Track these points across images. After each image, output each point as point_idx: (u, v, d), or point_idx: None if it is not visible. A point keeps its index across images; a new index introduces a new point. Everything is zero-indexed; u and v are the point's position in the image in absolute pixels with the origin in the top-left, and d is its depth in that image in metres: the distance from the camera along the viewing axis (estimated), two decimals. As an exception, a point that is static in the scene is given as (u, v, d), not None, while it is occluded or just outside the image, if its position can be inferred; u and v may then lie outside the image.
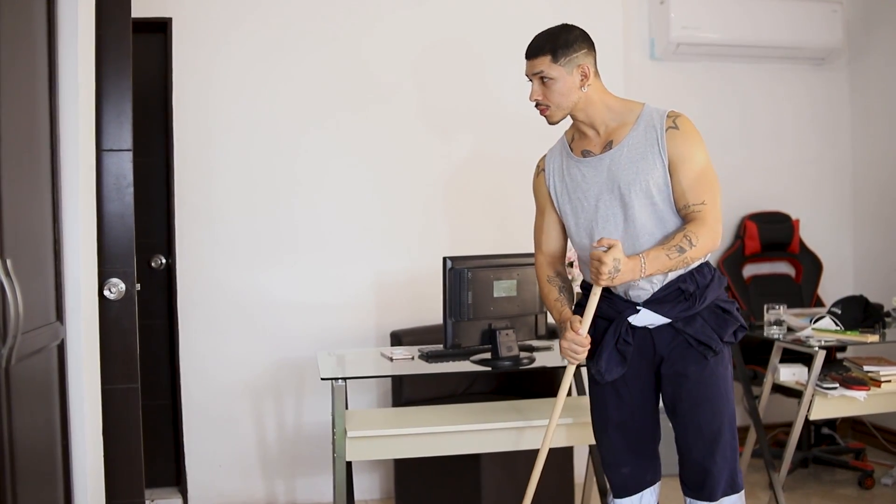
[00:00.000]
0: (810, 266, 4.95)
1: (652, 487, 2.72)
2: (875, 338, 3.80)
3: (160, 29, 4.07)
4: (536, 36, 2.58)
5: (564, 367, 3.27)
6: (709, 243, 2.48)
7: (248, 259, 4.17)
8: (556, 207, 2.70)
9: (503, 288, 3.33)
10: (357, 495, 4.11)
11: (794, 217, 4.94)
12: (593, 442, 3.40)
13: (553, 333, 3.77)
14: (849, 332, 3.83)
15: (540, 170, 2.76)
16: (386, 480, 4.29)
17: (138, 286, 2.89)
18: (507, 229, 4.44)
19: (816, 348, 3.66)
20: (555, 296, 2.69)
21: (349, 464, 3.19)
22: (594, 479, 3.70)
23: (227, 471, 4.20)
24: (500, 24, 4.42)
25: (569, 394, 3.85)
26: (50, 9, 2.44)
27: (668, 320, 2.55)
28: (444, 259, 3.28)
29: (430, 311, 4.10)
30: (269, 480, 4.21)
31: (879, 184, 4.99)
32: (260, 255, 4.18)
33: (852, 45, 5.10)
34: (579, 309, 2.67)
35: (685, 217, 2.51)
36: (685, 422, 2.58)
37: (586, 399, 3.58)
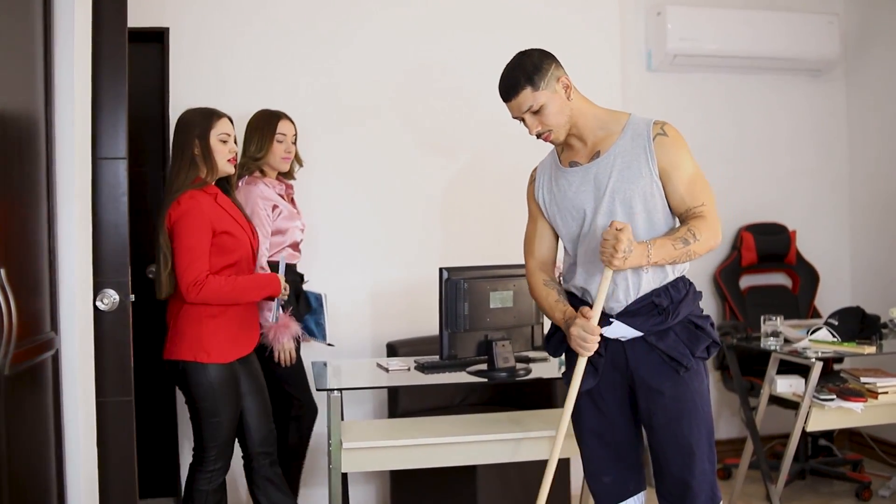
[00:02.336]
0: (807, 277, 4.94)
1: (636, 497, 2.71)
2: (872, 349, 3.80)
3: (157, 39, 4.06)
4: (503, 77, 2.57)
5: (559, 379, 3.28)
6: (711, 240, 2.50)
7: (244, 269, 4.15)
8: (546, 217, 2.72)
9: (499, 299, 3.33)
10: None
11: (791, 228, 4.94)
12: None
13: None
14: (846, 344, 3.83)
15: (532, 179, 2.79)
16: (382, 492, 4.28)
17: (133, 297, 2.87)
18: (504, 240, 4.42)
19: (813, 360, 3.66)
20: (554, 297, 2.68)
21: (345, 475, 3.18)
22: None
23: (221, 482, 4.17)
24: (497, 36, 4.42)
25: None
26: (46, 16, 2.43)
27: (640, 333, 2.55)
28: (441, 270, 3.27)
29: (427, 322, 4.09)
30: (264, 492, 4.18)
31: (876, 195, 5.00)
32: (256, 265, 4.17)
33: (849, 57, 5.11)
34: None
35: (686, 220, 2.52)
36: (662, 437, 2.58)
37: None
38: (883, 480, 4.51)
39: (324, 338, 3.53)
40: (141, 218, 3.98)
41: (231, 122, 3.22)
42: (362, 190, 4.28)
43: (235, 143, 3.24)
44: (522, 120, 2.58)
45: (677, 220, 2.59)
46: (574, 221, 2.62)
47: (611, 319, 2.57)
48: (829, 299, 4.99)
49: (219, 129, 3.15)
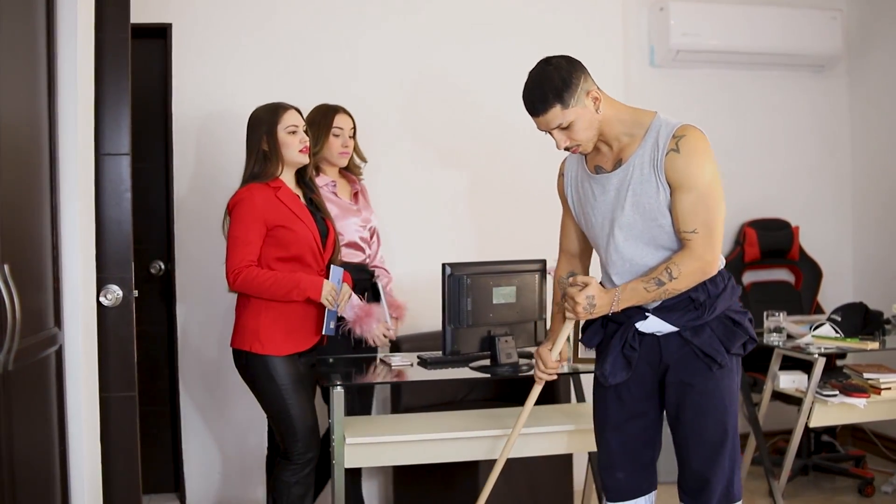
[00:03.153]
0: (810, 273, 4.94)
1: (647, 496, 2.70)
2: (875, 345, 3.80)
3: (160, 34, 4.06)
4: (531, 90, 2.48)
5: (562, 375, 3.29)
6: (694, 275, 2.46)
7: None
8: (574, 213, 2.72)
9: (502, 294, 3.33)
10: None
11: (793, 224, 4.94)
12: (592, 449, 3.38)
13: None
14: (849, 340, 3.83)
15: (561, 173, 2.76)
16: (385, 487, 4.28)
17: (136, 292, 2.87)
18: (507, 236, 4.43)
19: (816, 355, 3.66)
20: (556, 299, 2.71)
21: (358, 470, 3.18)
22: (593, 486, 3.69)
23: (225, 477, 4.18)
24: (499, 32, 4.42)
25: (568, 400, 3.85)
26: (49, 13, 2.43)
27: (675, 328, 2.53)
28: (444, 265, 3.27)
29: (429, 318, 4.09)
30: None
31: (879, 190, 4.99)
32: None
33: (852, 53, 5.10)
34: (591, 327, 2.71)
35: (681, 243, 2.49)
36: (687, 431, 2.56)
37: (586, 406, 3.58)
38: (886, 476, 4.51)
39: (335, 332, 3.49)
40: (144, 214, 4.00)
41: (300, 113, 3.27)
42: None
43: (307, 133, 3.28)
44: (549, 133, 2.50)
45: None
46: (595, 228, 2.60)
47: (646, 314, 2.55)
48: (831, 295, 4.98)
49: (286, 122, 3.20)
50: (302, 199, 3.27)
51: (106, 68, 2.78)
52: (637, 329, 2.56)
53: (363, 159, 3.75)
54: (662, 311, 2.53)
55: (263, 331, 3.12)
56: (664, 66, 4.82)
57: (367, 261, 3.68)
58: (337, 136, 3.57)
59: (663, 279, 2.44)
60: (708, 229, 2.44)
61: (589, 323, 2.72)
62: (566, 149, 2.52)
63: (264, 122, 3.21)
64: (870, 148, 5.06)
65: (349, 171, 3.71)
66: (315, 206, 3.32)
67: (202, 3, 4.10)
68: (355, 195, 3.70)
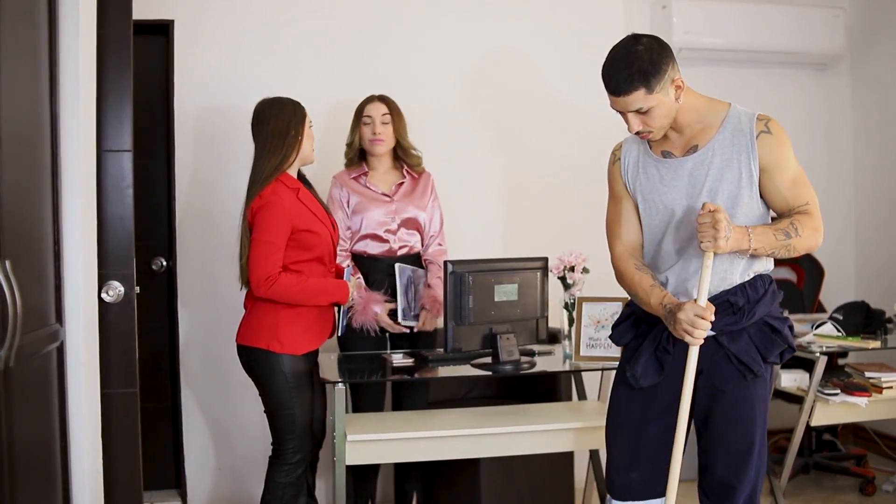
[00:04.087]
0: (812, 272, 4.93)
1: (662, 499, 2.58)
2: (877, 344, 3.80)
3: (162, 31, 4.06)
4: (616, 67, 2.34)
5: (564, 373, 3.25)
6: (812, 239, 2.40)
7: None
8: (633, 198, 2.57)
9: (504, 292, 3.33)
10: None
11: (795, 222, 4.93)
12: (594, 447, 3.40)
13: (553, 338, 3.76)
14: (850, 338, 3.83)
15: (616, 158, 2.61)
16: (385, 484, 4.28)
17: (138, 289, 2.88)
18: (509, 233, 4.43)
19: (818, 354, 3.66)
20: (649, 282, 2.48)
21: (349, 467, 3.18)
22: (594, 484, 3.69)
23: (226, 473, 4.19)
24: (500, 30, 4.42)
25: (569, 398, 3.85)
26: (51, 9, 2.43)
27: (712, 333, 2.42)
28: (446, 263, 3.27)
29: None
30: (268, 484, 4.20)
31: (881, 189, 4.99)
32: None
33: (854, 51, 5.09)
34: (629, 321, 2.61)
35: (790, 216, 2.42)
36: (714, 438, 2.48)
37: (588, 404, 3.58)
38: (887, 475, 4.50)
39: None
40: (146, 211, 4.00)
41: None
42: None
43: None
44: (622, 114, 2.41)
45: None
46: (657, 215, 2.49)
47: None
48: (833, 294, 4.98)
49: (309, 119, 3.26)
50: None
51: (108, 65, 2.78)
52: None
53: (407, 146, 3.71)
54: None
55: (283, 330, 3.10)
56: (666, 64, 4.81)
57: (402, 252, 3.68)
58: (367, 124, 3.63)
59: (790, 233, 2.36)
60: (815, 202, 2.42)
61: (620, 321, 2.66)
62: (637, 133, 2.44)
63: (294, 112, 3.22)
64: (872, 146, 5.05)
65: (404, 162, 3.71)
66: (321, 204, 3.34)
67: (204, -1, 4.10)
68: (399, 185, 3.70)
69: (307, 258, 3.15)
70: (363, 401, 3.64)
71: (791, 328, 2.52)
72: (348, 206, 3.65)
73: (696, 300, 2.37)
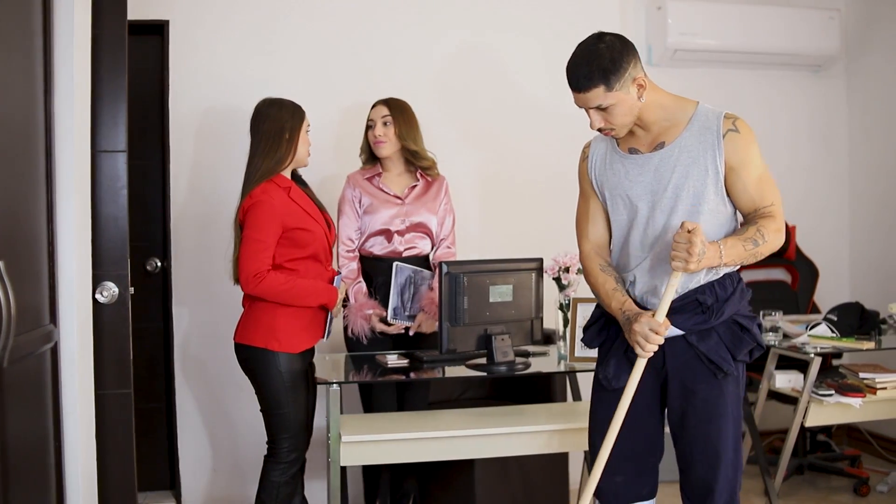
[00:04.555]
0: (806, 273, 4.94)
1: (648, 502, 2.63)
2: (871, 345, 3.80)
3: (157, 31, 4.06)
4: (576, 63, 2.39)
5: (559, 373, 3.24)
6: (776, 241, 2.42)
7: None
8: (599, 197, 2.60)
9: (499, 293, 3.33)
10: (351, 500, 4.10)
11: (790, 223, 4.94)
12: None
13: (548, 339, 3.76)
14: (845, 339, 3.83)
15: (585, 156, 2.65)
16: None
17: (132, 289, 2.87)
18: (504, 234, 4.43)
19: (812, 355, 3.66)
20: (612, 285, 2.53)
21: (344, 469, 3.18)
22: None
23: (221, 474, 4.18)
24: (494, 31, 4.42)
25: (564, 399, 3.85)
26: (46, 9, 2.43)
27: (681, 332, 2.46)
28: (441, 264, 3.27)
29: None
30: (263, 485, 4.19)
31: (876, 190, 5.00)
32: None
33: (849, 52, 5.10)
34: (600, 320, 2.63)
35: (754, 220, 2.43)
36: (690, 439, 2.50)
37: (583, 405, 3.58)
38: (881, 476, 4.51)
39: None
40: (140, 211, 4.00)
41: None
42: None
43: None
44: (586, 110, 2.44)
45: (739, 220, 2.50)
46: (623, 211, 2.51)
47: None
48: (828, 295, 4.99)
49: (307, 122, 3.27)
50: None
51: (102, 65, 2.77)
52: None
53: (416, 150, 3.68)
54: (668, 313, 2.43)
55: (280, 328, 3.11)
56: (662, 66, 4.82)
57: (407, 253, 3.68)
58: (370, 127, 3.66)
59: (758, 241, 2.38)
60: (780, 203, 2.44)
61: (590, 323, 2.68)
62: (599, 130, 2.46)
63: (291, 115, 3.23)
64: (867, 148, 5.06)
65: (417, 166, 3.70)
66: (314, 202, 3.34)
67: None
68: (412, 188, 3.70)
69: (301, 256, 3.16)
70: (375, 402, 3.66)
71: (760, 326, 2.55)
72: (360, 206, 3.67)
73: (654, 313, 2.41)
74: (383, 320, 3.58)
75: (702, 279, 2.46)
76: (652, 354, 2.43)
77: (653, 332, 2.38)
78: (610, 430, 2.45)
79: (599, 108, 2.40)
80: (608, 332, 2.60)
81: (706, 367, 2.46)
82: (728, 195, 2.46)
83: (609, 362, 2.56)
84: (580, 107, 2.44)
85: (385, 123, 3.62)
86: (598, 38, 2.40)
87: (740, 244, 2.38)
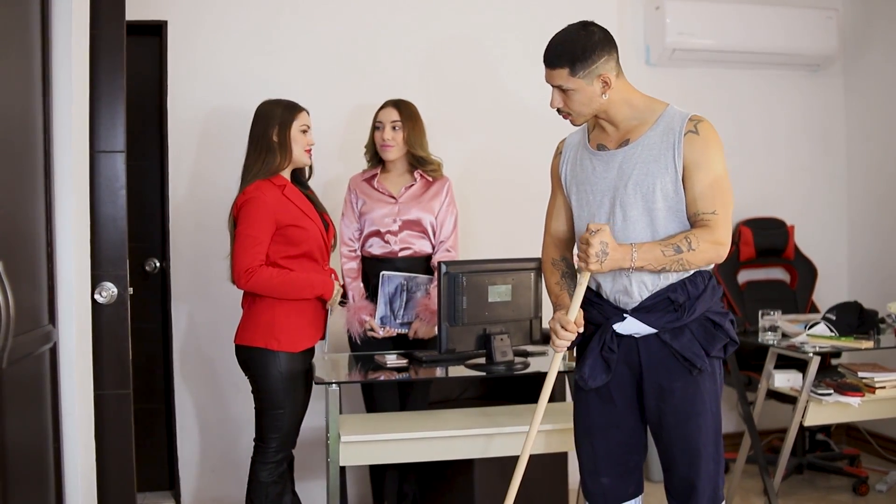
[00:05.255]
0: (805, 272, 4.95)
1: (635, 500, 2.65)
2: (870, 344, 3.80)
3: (155, 32, 4.05)
4: (553, 41, 2.49)
5: (558, 373, 3.25)
6: (710, 253, 2.42)
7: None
8: (565, 193, 2.66)
9: (498, 293, 3.33)
10: (350, 500, 4.10)
11: (789, 223, 4.94)
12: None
13: (548, 338, 3.75)
14: (843, 339, 3.83)
15: (558, 152, 2.72)
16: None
17: (131, 290, 2.87)
18: (503, 234, 4.43)
19: (811, 354, 3.67)
20: (556, 279, 2.63)
21: (343, 469, 3.18)
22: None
23: (220, 475, 4.18)
24: (490, 29, 4.42)
25: (563, 399, 3.85)
26: (44, 9, 2.43)
27: (653, 330, 2.48)
28: (439, 264, 3.27)
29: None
30: (262, 485, 4.19)
31: (874, 190, 5.00)
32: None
33: (847, 52, 5.10)
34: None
35: (694, 225, 2.45)
36: (670, 437, 2.52)
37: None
38: (880, 475, 4.52)
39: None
40: (139, 212, 4.00)
41: (308, 115, 3.33)
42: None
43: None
44: (552, 87, 2.51)
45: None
46: (588, 206, 2.55)
47: (624, 315, 2.50)
48: (826, 294, 4.99)
49: (301, 121, 3.26)
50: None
51: (101, 65, 2.77)
52: (615, 331, 2.51)
53: (422, 156, 3.69)
54: (640, 311, 2.48)
55: (279, 327, 3.12)
56: (660, 65, 4.82)
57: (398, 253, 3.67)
58: (378, 129, 3.66)
59: (682, 247, 2.39)
60: (725, 213, 2.45)
61: None
62: (557, 111, 2.53)
63: (280, 115, 3.24)
64: (865, 147, 5.06)
65: (419, 167, 3.70)
66: (312, 202, 3.34)
67: (197, 0, 4.09)
68: (408, 187, 3.69)
69: (295, 253, 3.17)
70: (377, 402, 3.66)
71: (732, 322, 2.57)
72: (357, 208, 3.68)
73: (567, 311, 2.50)
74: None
75: (672, 278, 2.48)
76: (564, 350, 2.53)
77: (561, 329, 2.48)
78: (528, 437, 2.60)
79: (560, 89, 2.47)
80: (583, 333, 2.60)
81: (680, 365, 2.49)
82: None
83: (585, 362, 2.57)
84: (547, 82, 2.51)
85: (394, 128, 3.63)
86: (584, 25, 2.51)
87: (658, 249, 2.40)
